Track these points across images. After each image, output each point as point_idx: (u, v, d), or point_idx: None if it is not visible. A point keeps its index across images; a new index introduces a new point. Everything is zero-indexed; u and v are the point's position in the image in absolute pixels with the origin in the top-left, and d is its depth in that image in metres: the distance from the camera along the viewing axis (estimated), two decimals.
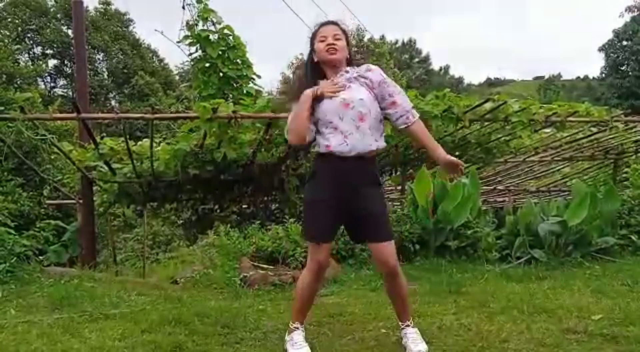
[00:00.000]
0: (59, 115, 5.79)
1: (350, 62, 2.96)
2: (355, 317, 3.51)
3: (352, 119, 2.77)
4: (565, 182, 11.23)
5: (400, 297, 2.94)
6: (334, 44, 2.85)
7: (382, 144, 2.86)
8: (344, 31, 2.92)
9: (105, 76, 32.97)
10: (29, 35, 30.96)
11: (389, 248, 2.81)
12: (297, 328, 2.91)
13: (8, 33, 28.19)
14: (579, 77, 76.29)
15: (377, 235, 2.82)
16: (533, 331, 3.15)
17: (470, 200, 5.60)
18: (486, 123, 6.61)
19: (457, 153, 7.75)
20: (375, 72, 2.90)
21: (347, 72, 2.91)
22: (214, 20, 6.79)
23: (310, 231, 2.87)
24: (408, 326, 2.95)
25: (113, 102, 32.73)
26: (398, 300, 2.96)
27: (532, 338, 3.02)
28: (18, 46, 28.07)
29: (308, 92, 2.80)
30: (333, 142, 2.77)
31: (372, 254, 2.90)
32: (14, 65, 16.73)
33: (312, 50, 2.94)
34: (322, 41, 2.87)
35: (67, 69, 31.98)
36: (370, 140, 2.80)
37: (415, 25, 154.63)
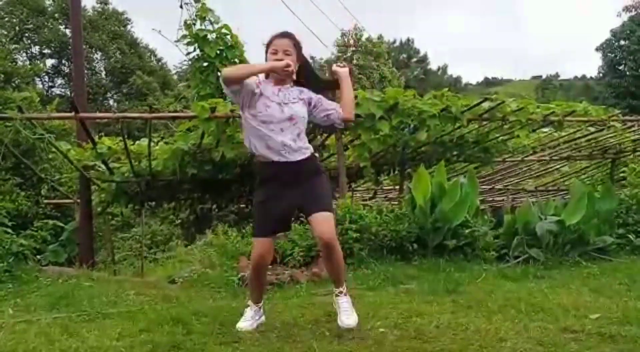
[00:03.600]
0: (56, 114, 5.82)
1: (299, 72, 3.17)
2: None
3: (291, 133, 3.07)
4: (564, 181, 11.26)
5: (336, 265, 3.15)
6: (280, 60, 3.04)
7: (310, 150, 3.16)
8: (295, 45, 3.13)
9: (103, 76, 32.93)
10: (26, 34, 30.90)
11: (325, 218, 3.03)
12: (248, 305, 3.27)
13: (5, 32, 28.13)
14: (576, 77, 76.52)
15: (315, 205, 3.05)
16: (531, 330, 3.15)
17: (468, 199, 5.60)
18: (484, 122, 6.63)
19: (455, 152, 7.76)
20: (307, 91, 3.20)
21: (292, 87, 3.18)
22: (212, 19, 6.79)
23: (256, 228, 3.17)
24: (342, 292, 3.18)
25: (111, 102, 32.71)
26: (334, 269, 3.18)
27: (529, 337, 3.02)
28: (16, 45, 28.01)
29: (270, 64, 3.06)
30: (271, 152, 3.04)
31: (311, 225, 3.11)
32: (11, 65, 16.67)
33: (266, 58, 3.16)
34: (274, 54, 3.09)
35: (65, 68, 31.93)
36: (302, 155, 3.09)
37: (413, 25, 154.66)
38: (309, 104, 3.19)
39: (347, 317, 3.10)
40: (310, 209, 3.06)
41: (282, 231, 3.35)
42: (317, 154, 3.27)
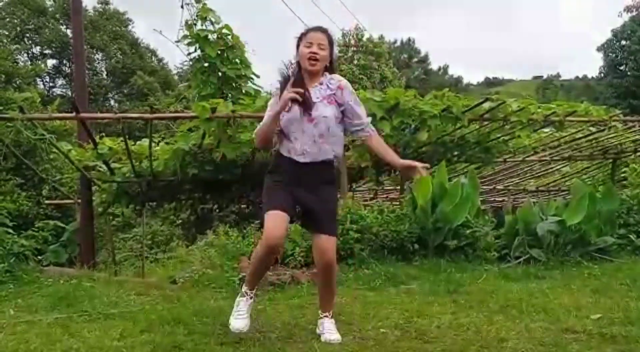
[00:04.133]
0: (57, 115, 5.82)
1: (329, 69, 3.10)
2: (354, 317, 3.50)
3: (312, 134, 2.97)
4: (565, 181, 11.25)
5: (329, 289, 3.15)
6: (316, 53, 2.97)
7: (339, 152, 3.11)
8: (329, 41, 3.06)
9: (105, 76, 32.96)
10: (27, 35, 30.93)
11: (329, 241, 3.01)
12: (247, 294, 3.08)
13: (7, 33, 28.14)
14: (577, 77, 76.46)
15: (322, 228, 3.02)
16: (532, 330, 3.15)
17: (469, 199, 5.60)
18: (485, 123, 6.62)
19: (456, 152, 7.76)
20: (345, 92, 3.06)
21: (320, 84, 3.05)
22: (213, 19, 6.79)
23: (268, 202, 2.99)
24: (327, 316, 3.13)
25: (112, 102, 32.74)
26: (326, 292, 3.15)
27: (530, 337, 3.02)
28: (17, 46, 28.03)
29: (277, 107, 2.94)
30: (293, 152, 2.98)
31: (316, 244, 3.06)
32: (12, 65, 16.70)
33: (297, 49, 3.05)
34: (307, 47, 2.99)
35: (66, 68, 31.96)
36: (328, 154, 3.02)
37: (414, 25, 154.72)
38: (340, 104, 3.04)
39: (331, 334, 3.04)
40: (319, 228, 3.02)
41: (291, 214, 3.03)
42: (337, 162, 3.15)
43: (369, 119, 3.17)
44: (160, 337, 3.01)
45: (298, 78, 3.03)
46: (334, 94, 3.04)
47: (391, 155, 3.15)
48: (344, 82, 3.09)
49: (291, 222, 3.15)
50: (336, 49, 3.31)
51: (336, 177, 3.27)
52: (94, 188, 7.84)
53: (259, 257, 3.01)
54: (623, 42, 38.19)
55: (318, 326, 3.14)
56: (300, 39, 3.04)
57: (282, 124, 2.99)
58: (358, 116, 3.08)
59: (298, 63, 3.06)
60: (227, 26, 6.88)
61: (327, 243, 3.00)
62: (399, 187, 8.59)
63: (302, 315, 3.54)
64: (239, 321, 3.01)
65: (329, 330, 3.07)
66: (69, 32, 29.00)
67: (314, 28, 3.06)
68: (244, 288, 3.11)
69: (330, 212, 3.09)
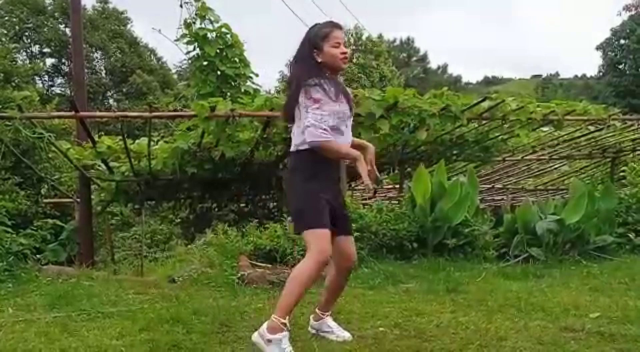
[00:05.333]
0: (56, 113, 5.82)
1: None
2: (353, 316, 3.51)
3: (350, 128, 2.98)
4: (563, 180, 11.25)
5: (342, 290, 3.15)
6: (347, 53, 2.87)
7: None
8: None
9: (103, 75, 32.93)
10: (26, 33, 30.90)
11: (353, 243, 3.03)
12: (286, 326, 2.65)
13: (5, 31, 28.13)
14: (576, 76, 76.40)
15: (347, 229, 3.01)
16: (530, 329, 3.15)
17: (468, 198, 5.61)
18: (484, 121, 6.62)
19: (455, 151, 7.76)
20: None
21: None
22: (212, 18, 6.79)
23: (316, 218, 2.75)
24: (329, 316, 3.13)
25: (111, 101, 32.71)
26: (338, 292, 3.14)
27: (529, 336, 3.02)
28: (15, 45, 27.95)
29: (359, 156, 2.78)
30: None
31: (340, 247, 2.91)
32: (11, 64, 16.65)
33: (317, 49, 2.83)
34: (336, 47, 2.82)
35: (65, 67, 31.93)
36: None
37: (414, 24, 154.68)
38: None
39: (342, 332, 3.05)
40: (345, 230, 2.96)
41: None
42: None
43: None
44: (159, 336, 3.01)
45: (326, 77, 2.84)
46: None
47: None
48: None
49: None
50: None
51: None
52: (92, 187, 7.83)
53: (312, 277, 2.69)
54: (622, 41, 38.21)
55: (319, 327, 3.11)
56: (323, 37, 2.82)
57: (333, 123, 2.78)
58: None
59: (317, 61, 2.83)
60: (226, 25, 6.88)
61: (352, 245, 3.01)
62: (397, 186, 8.60)
63: (302, 314, 3.53)
64: None
65: (338, 328, 3.08)
66: (67, 30, 28.98)
67: (336, 25, 2.89)
68: (284, 320, 2.65)
69: (347, 211, 3.12)
